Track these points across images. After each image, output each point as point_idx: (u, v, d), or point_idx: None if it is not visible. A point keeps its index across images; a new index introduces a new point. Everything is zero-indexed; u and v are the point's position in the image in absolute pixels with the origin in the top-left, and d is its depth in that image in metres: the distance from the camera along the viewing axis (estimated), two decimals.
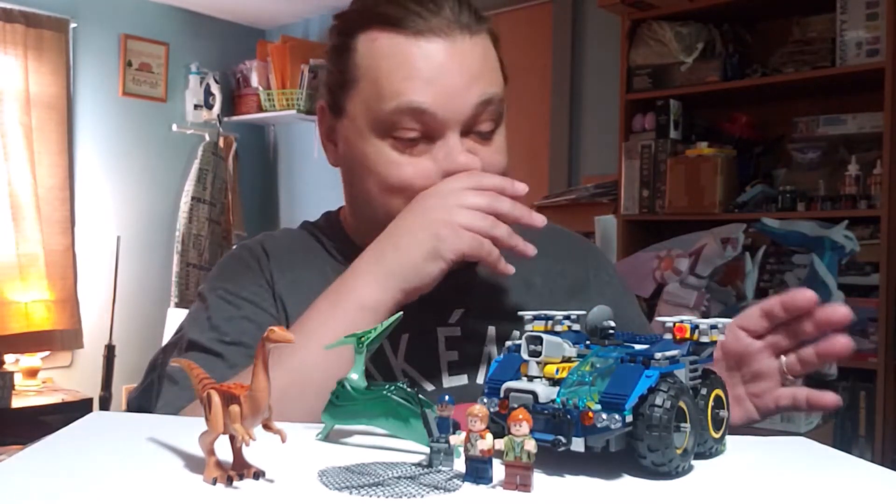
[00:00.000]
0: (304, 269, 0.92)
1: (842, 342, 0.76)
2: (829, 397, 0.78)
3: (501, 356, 0.59)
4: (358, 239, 0.95)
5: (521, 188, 0.80)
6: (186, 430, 0.56)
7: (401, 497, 0.46)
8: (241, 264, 0.93)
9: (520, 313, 0.63)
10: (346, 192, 0.94)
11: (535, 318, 0.61)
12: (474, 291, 0.91)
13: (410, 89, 0.80)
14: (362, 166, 0.86)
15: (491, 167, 0.85)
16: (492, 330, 0.89)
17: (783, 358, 0.80)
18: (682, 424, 0.52)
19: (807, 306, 0.77)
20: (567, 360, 0.55)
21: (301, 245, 0.96)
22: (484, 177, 0.80)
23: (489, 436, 0.47)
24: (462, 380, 0.86)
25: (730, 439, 0.60)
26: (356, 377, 0.61)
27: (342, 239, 0.96)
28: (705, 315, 2.30)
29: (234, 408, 0.48)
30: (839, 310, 0.76)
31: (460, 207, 0.77)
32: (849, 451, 0.60)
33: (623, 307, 0.96)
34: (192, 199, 4.14)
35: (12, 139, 3.69)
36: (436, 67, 0.80)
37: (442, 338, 0.88)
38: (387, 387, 0.59)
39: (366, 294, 0.77)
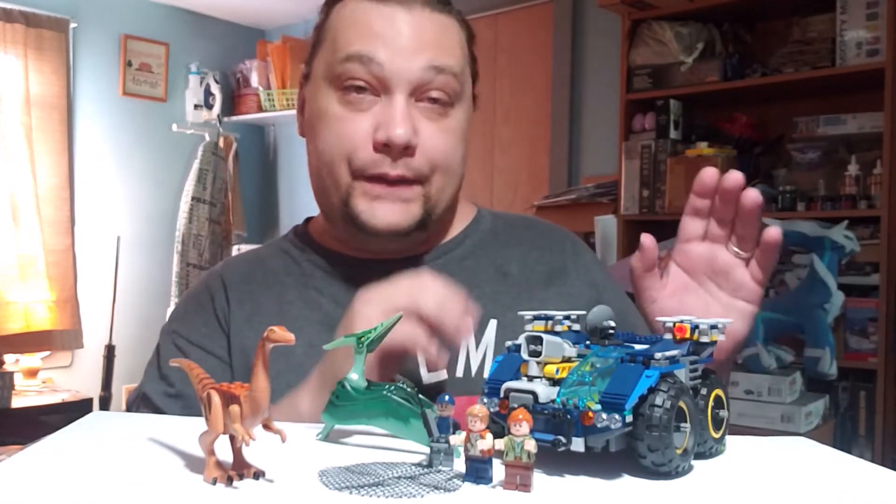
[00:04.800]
0: (263, 296, 0.92)
1: (750, 195, 0.75)
2: (771, 231, 0.76)
3: (502, 356, 0.59)
4: (324, 240, 0.95)
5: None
6: (186, 430, 0.56)
7: (401, 497, 0.46)
8: (196, 303, 0.93)
9: (520, 313, 0.62)
10: (308, 164, 0.94)
11: (536, 318, 0.61)
12: None
13: (360, 41, 0.83)
14: (312, 126, 0.88)
15: (432, 148, 0.85)
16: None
17: (730, 246, 0.79)
18: (682, 424, 0.52)
19: (713, 181, 0.77)
20: (567, 360, 0.55)
21: (262, 268, 0.95)
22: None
23: (489, 436, 0.47)
24: (441, 375, 0.85)
25: (730, 439, 0.60)
26: (356, 377, 0.61)
27: (313, 248, 0.95)
28: None
29: (234, 408, 0.48)
30: (732, 174, 0.76)
31: None
32: (849, 451, 0.60)
33: (605, 291, 0.95)
34: (193, 199, 4.14)
35: (12, 139, 3.69)
36: (389, 27, 0.83)
37: None
38: (387, 387, 0.59)
39: (303, 406, 0.74)
